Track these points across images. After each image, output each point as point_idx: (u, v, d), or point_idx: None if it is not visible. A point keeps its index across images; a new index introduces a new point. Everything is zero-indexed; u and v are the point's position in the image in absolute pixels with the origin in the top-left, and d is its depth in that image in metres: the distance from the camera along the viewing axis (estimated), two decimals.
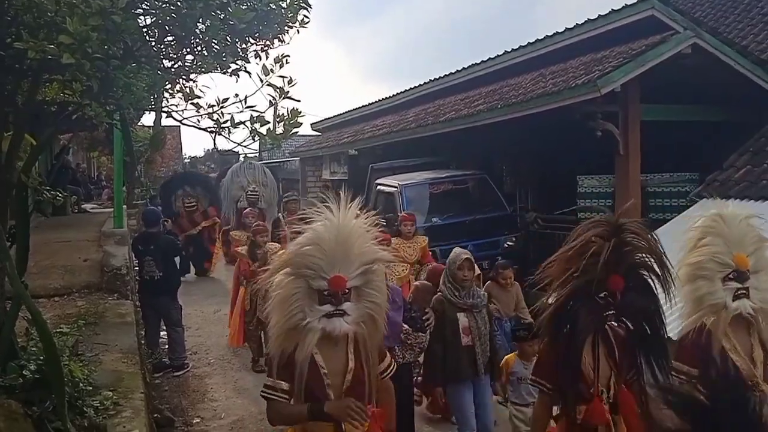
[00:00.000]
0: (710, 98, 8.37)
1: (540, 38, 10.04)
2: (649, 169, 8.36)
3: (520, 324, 5.49)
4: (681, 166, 8.71)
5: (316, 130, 21.53)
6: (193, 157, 24.98)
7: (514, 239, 9.70)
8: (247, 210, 9.13)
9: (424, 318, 4.51)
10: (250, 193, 12.57)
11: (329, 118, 20.25)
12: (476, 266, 4.93)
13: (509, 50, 10.85)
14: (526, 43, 10.41)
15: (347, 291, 2.63)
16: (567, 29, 9.40)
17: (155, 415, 5.17)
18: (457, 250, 4.83)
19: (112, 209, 9.98)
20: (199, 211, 12.67)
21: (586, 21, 9.02)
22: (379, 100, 16.62)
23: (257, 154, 25.46)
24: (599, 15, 8.81)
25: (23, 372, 2.97)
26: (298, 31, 3.48)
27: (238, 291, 7.63)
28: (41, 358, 3.00)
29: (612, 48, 8.43)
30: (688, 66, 7.79)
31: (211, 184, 14.00)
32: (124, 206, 10.72)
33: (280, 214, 9.81)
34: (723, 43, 7.85)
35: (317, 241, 2.62)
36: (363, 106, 17.62)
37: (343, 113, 19.09)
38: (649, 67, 7.46)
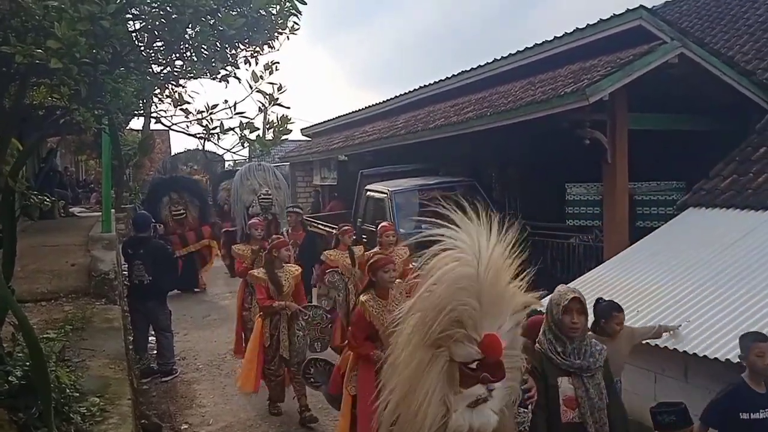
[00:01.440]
0: (697, 107, 8.44)
1: (529, 46, 10.10)
2: (636, 177, 8.42)
3: (666, 404, 3.85)
4: (668, 175, 8.78)
5: (306, 136, 21.51)
6: (176, 154, 23.05)
7: None
8: (254, 220, 7.78)
9: (523, 388, 2.91)
10: (263, 197, 11.60)
11: (319, 123, 20.24)
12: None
13: (499, 58, 10.91)
14: (515, 51, 10.48)
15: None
16: (556, 38, 9.47)
17: (143, 421, 5.14)
18: (562, 287, 3.47)
19: (100, 213, 9.94)
20: (189, 220, 11.87)
21: (575, 30, 9.08)
22: (370, 106, 16.63)
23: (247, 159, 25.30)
24: (588, 24, 8.87)
25: (9, 378, 2.95)
26: (288, 37, 3.50)
27: (243, 307, 7.12)
28: (27, 363, 2.98)
29: (600, 57, 8.49)
30: (675, 75, 7.86)
31: (201, 190, 13.14)
32: (113, 210, 10.67)
33: (284, 229, 8.91)
34: (709, 53, 7.92)
35: (463, 283, 1.65)
36: (353, 112, 17.63)
37: (334, 119, 19.09)
38: (636, 76, 7.51)
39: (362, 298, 4.67)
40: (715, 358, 4.62)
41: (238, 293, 7.36)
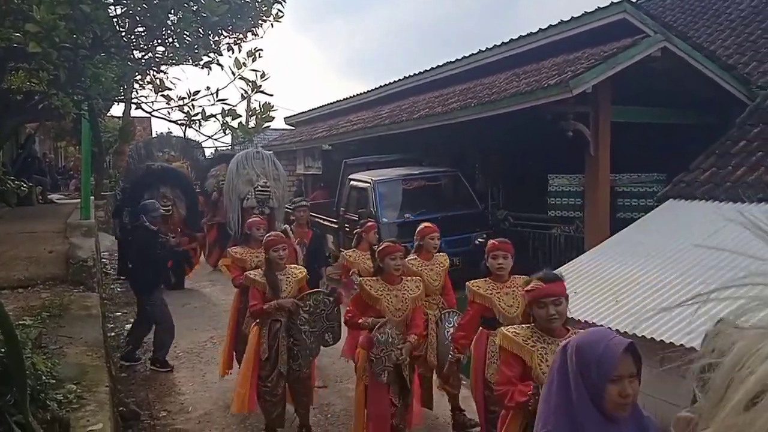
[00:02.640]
0: (679, 101, 8.53)
1: (514, 38, 10.13)
2: (618, 169, 8.50)
3: None
4: (649, 167, 8.87)
5: (289, 124, 21.42)
6: (149, 139, 20.08)
7: (485, 236, 9.78)
8: (256, 219, 6.72)
9: None
10: (260, 189, 10.58)
11: (303, 112, 20.16)
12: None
13: (484, 49, 10.93)
14: (500, 43, 10.49)
15: None
16: (541, 30, 9.50)
17: (120, 408, 5.12)
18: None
19: (80, 200, 9.83)
20: (175, 218, 10.84)
21: (559, 22, 9.11)
22: (354, 96, 16.60)
23: (229, 147, 25.04)
24: (572, 17, 8.91)
25: None
26: (272, 25, 3.48)
27: (236, 320, 6.15)
28: (2, 350, 2.95)
29: (584, 50, 8.54)
30: (658, 69, 7.93)
31: (191, 187, 12.09)
32: (92, 197, 10.53)
33: (287, 226, 7.61)
34: (692, 47, 8.00)
35: None
36: (337, 101, 17.58)
37: (318, 108, 19.02)
38: (619, 69, 7.57)
39: (362, 279, 4.64)
40: (691, 347, 4.70)
41: (232, 303, 6.41)
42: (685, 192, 7.50)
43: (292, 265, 5.26)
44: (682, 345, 4.77)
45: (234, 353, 6.18)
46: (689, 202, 7.36)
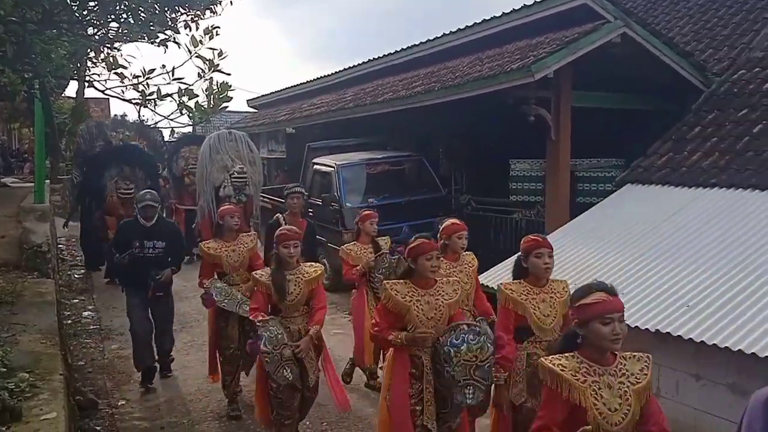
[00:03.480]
0: (638, 87, 8.66)
1: (478, 22, 10.14)
2: (578, 154, 8.61)
3: None
4: (608, 152, 9.01)
5: (252, 107, 21.12)
6: (100, 120, 18.16)
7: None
8: (228, 206, 6.01)
9: None
10: (236, 175, 9.67)
11: (266, 95, 19.88)
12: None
13: (448, 32, 10.92)
14: (464, 26, 10.49)
15: None
16: (504, 14, 9.52)
17: (78, 397, 5.02)
18: None
19: (34, 183, 9.54)
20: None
21: (522, 7, 9.14)
22: (318, 78, 16.42)
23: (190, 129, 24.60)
24: (535, 1, 8.95)
25: None
26: (231, 2, 3.40)
27: (216, 319, 5.46)
28: None
29: (547, 34, 8.58)
30: (618, 55, 8.02)
31: (154, 166, 11.64)
32: (47, 181, 10.23)
33: (279, 215, 6.76)
34: (651, 33, 8.11)
35: None
36: (301, 84, 17.38)
37: (281, 90, 18.76)
38: (580, 54, 7.63)
39: (387, 283, 3.87)
40: (646, 329, 4.81)
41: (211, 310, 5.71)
42: (643, 177, 7.66)
43: (307, 264, 4.57)
44: (637, 326, 4.89)
45: (217, 355, 5.52)
46: (646, 187, 7.52)
